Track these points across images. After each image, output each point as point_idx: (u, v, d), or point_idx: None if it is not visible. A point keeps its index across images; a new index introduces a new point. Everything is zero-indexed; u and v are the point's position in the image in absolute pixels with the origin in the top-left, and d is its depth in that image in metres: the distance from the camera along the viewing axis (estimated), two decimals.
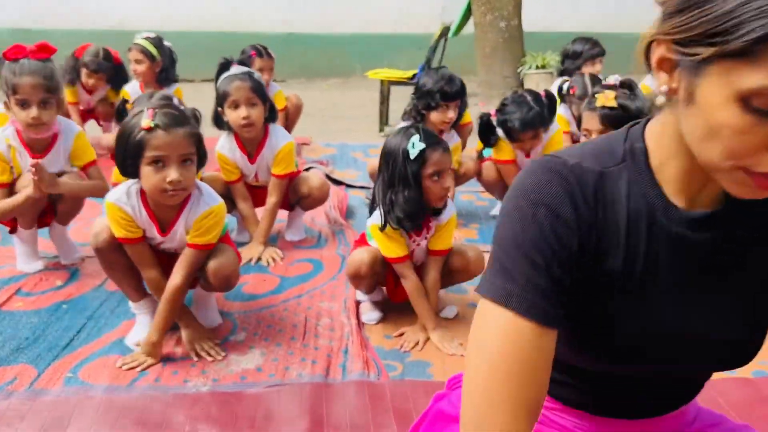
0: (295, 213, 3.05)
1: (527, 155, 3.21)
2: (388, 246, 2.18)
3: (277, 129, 2.88)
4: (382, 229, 2.16)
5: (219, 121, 2.80)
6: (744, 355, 0.91)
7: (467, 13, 6.30)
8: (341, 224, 3.20)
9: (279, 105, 3.95)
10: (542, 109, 2.98)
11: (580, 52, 4.29)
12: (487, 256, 2.18)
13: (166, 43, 4.19)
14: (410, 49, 8.04)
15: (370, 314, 2.35)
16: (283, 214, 3.03)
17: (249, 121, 2.68)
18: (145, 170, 1.90)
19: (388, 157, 2.17)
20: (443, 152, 2.13)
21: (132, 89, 4.17)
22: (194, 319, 2.12)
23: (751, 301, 0.89)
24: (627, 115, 2.19)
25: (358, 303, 2.42)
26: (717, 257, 0.86)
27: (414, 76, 5.19)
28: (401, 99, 6.02)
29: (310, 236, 3.09)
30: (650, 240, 0.84)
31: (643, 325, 0.87)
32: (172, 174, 1.87)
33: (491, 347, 0.82)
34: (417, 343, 2.17)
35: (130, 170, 1.94)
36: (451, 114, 3.03)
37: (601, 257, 0.84)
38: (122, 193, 2.00)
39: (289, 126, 4.27)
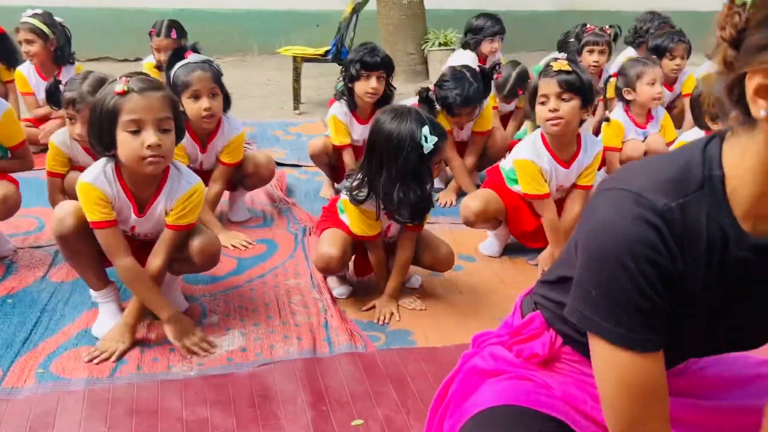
0: (237, 194, 2.99)
1: (461, 128, 3.32)
2: (361, 226, 2.19)
3: (230, 119, 2.81)
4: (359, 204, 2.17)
5: None
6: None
7: None
8: (286, 202, 3.16)
9: None
10: (479, 85, 3.08)
11: (482, 28, 4.40)
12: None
13: (57, 18, 3.89)
14: (309, 26, 7.96)
15: (340, 289, 2.36)
16: (224, 196, 2.95)
17: (211, 112, 2.60)
18: (122, 137, 1.80)
19: (391, 146, 2.04)
20: (445, 140, 2.11)
21: (27, 71, 3.87)
22: (178, 312, 2.02)
23: None
24: (580, 80, 2.34)
25: (325, 278, 2.42)
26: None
27: (327, 52, 5.16)
28: (312, 77, 6.00)
29: (255, 216, 3.04)
30: (723, 265, 0.94)
31: (697, 316, 0.99)
32: (151, 137, 1.79)
33: (617, 379, 0.97)
34: (392, 314, 2.22)
35: (105, 141, 1.84)
36: (374, 84, 3.04)
37: (684, 281, 0.93)
38: (98, 171, 1.88)
39: None
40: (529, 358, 1.20)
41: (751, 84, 0.84)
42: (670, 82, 4.01)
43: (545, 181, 2.51)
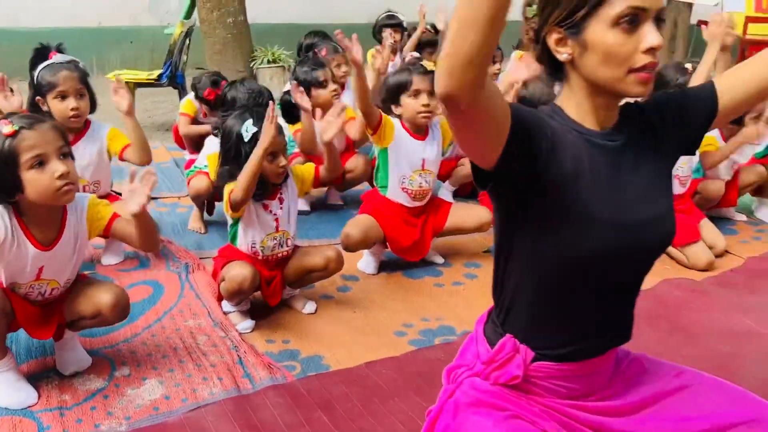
0: (110, 240, 2.92)
1: None
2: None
3: (95, 122, 2.85)
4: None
5: (37, 111, 2.64)
6: (668, 231, 1.32)
7: (191, 8, 6.25)
8: (162, 241, 3.14)
9: None
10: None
11: (313, 44, 4.68)
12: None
13: None
14: (121, 42, 7.66)
15: (244, 324, 2.45)
16: (98, 240, 2.87)
17: (78, 112, 2.66)
18: (29, 176, 1.78)
19: (223, 136, 2.41)
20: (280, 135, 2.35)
21: None
22: None
23: (658, 185, 1.32)
24: None
25: (225, 314, 2.50)
26: (625, 161, 1.28)
27: (161, 76, 5.07)
28: (137, 99, 5.82)
29: (128, 258, 3.00)
30: (586, 150, 1.24)
31: (591, 213, 1.23)
32: (59, 167, 1.79)
33: None
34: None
35: (9, 185, 1.79)
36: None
37: (556, 163, 1.19)
38: None
39: None
40: (507, 381, 1.33)
41: (551, 41, 1.23)
42: None
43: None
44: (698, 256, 3.11)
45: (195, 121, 3.89)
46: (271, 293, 2.49)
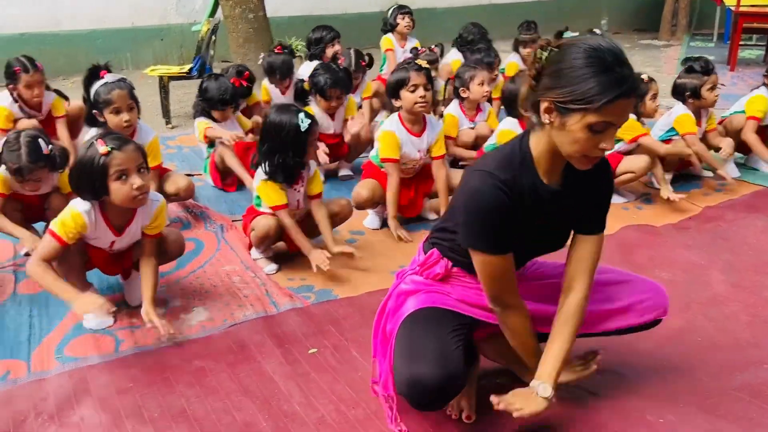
0: None
1: (332, 117, 4.14)
2: (271, 195, 2.94)
3: (142, 125, 3.36)
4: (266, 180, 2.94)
5: (94, 121, 3.21)
6: (561, 245, 1.93)
7: (215, 6, 6.83)
8: (200, 207, 3.74)
9: (59, 112, 4.21)
10: (344, 74, 4.06)
11: (321, 38, 5.31)
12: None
13: None
14: (153, 40, 8.27)
15: (269, 267, 3.04)
16: None
17: (129, 123, 3.17)
18: (114, 185, 2.34)
19: (278, 130, 2.90)
20: (317, 125, 2.98)
21: None
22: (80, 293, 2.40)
23: (567, 225, 1.88)
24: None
25: (254, 260, 3.08)
26: (556, 202, 1.79)
27: (191, 70, 5.66)
28: (171, 90, 6.41)
29: (173, 222, 3.59)
30: (536, 202, 1.76)
31: (528, 238, 1.82)
32: (137, 181, 2.36)
33: (489, 268, 1.75)
34: (325, 262, 2.91)
35: (99, 191, 2.36)
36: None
37: (514, 216, 1.73)
38: (87, 208, 2.42)
39: (75, 130, 4.36)
40: (433, 277, 1.96)
41: (542, 106, 1.66)
42: None
43: (399, 149, 3.34)
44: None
45: None
46: (291, 244, 3.07)
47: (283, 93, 4.69)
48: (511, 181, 1.71)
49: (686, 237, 3.37)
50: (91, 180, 2.35)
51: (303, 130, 2.88)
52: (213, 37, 5.77)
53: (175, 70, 5.74)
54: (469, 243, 1.76)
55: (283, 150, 2.90)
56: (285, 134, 2.90)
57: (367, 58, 4.77)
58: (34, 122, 4.08)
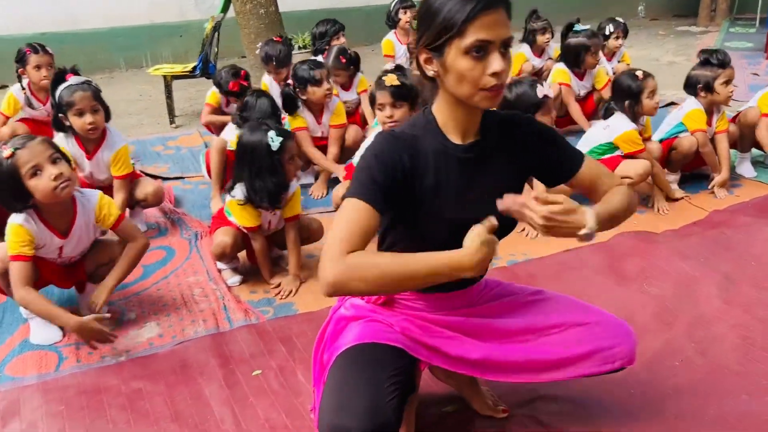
0: (135, 211, 3.47)
1: (319, 121, 3.99)
2: (245, 216, 2.79)
3: (113, 131, 3.29)
4: (243, 204, 2.77)
5: (60, 126, 3.14)
6: (504, 229, 1.66)
7: (227, 2, 6.75)
8: (176, 213, 3.65)
9: None
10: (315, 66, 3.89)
11: (325, 32, 5.21)
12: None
13: None
14: (172, 37, 8.26)
15: (233, 278, 2.93)
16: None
17: (94, 126, 3.08)
18: (31, 183, 2.26)
19: (248, 151, 2.73)
20: (291, 140, 2.78)
21: None
22: (78, 319, 2.34)
23: (500, 189, 1.58)
24: (407, 89, 2.99)
25: (219, 271, 2.97)
26: (479, 168, 1.62)
27: (195, 68, 5.59)
28: (182, 89, 6.38)
29: (150, 228, 3.52)
30: (446, 163, 1.58)
31: (442, 214, 1.60)
32: (53, 171, 2.26)
33: (348, 212, 1.50)
34: (291, 291, 2.81)
35: (21, 196, 2.28)
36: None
37: (419, 179, 1.55)
38: (23, 218, 2.34)
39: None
40: (374, 301, 1.77)
41: (421, 59, 1.52)
42: None
43: None
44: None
45: (219, 110, 4.41)
46: (252, 255, 2.95)
47: (279, 84, 4.55)
48: (411, 139, 1.57)
49: (685, 245, 3.12)
50: (7, 187, 2.26)
51: (274, 149, 2.72)
52: (216, 35, 5.69)
53: (178, 68, 5.68)
54: (348, 193, 1.54)
55: (259, 173, 2.74)
56: (258, 156, 2.72)
57: (351, 54, 4.56)
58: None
